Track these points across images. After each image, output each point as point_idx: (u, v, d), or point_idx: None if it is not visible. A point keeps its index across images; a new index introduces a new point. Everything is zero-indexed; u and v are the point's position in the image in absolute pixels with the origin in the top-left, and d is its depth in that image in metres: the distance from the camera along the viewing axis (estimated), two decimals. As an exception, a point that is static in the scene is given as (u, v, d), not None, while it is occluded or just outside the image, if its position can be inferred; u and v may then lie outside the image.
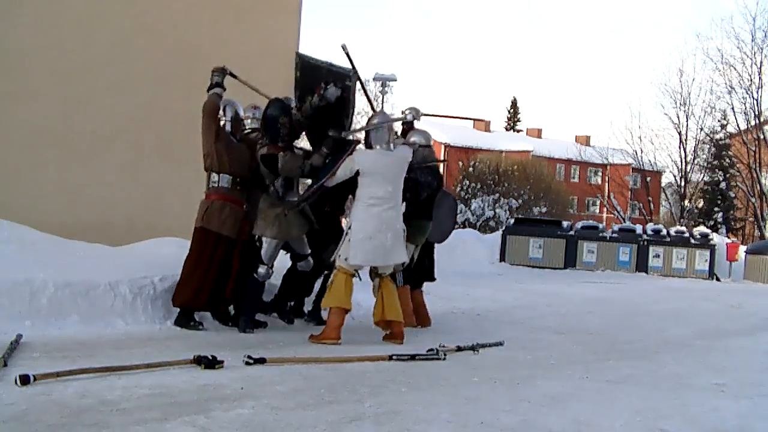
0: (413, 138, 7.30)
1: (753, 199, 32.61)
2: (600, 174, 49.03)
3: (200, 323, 6.42)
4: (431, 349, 5.69)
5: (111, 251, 7.51)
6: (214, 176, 6.48)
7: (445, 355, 5.66)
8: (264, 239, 6.43)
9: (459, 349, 5.93)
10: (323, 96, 6.41)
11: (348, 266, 6.24)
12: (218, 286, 6.40)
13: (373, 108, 7.16)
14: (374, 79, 29.59)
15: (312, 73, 6.73)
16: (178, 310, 6.42)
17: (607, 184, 43.56)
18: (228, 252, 6.43)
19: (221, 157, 6.44)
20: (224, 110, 6.66)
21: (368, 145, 6.39)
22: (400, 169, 6.40)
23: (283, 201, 6.44)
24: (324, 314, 6.73)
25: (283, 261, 7.50)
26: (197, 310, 6.44)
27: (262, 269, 6.44)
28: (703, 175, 35.95)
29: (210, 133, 6.44)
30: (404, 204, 6.80)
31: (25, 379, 4.07)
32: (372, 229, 6.18)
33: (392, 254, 6.31)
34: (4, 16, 9.10)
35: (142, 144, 9.84)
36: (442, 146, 48.58)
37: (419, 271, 7.49)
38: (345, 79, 6.54)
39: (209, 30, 10.49)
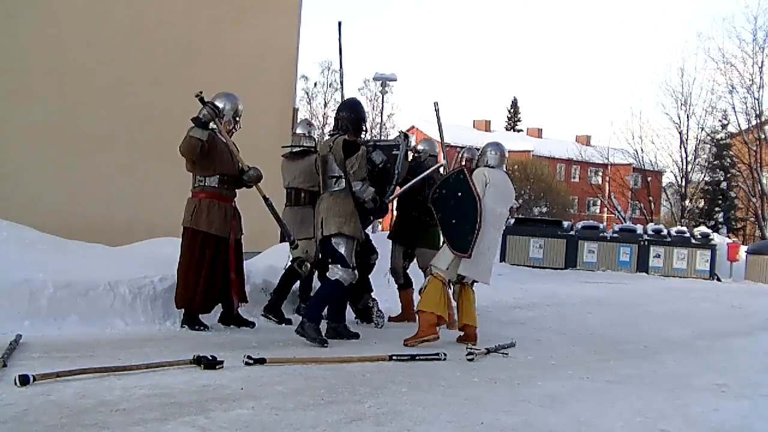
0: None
1: (754, 199, 32.61)
2: (600, 174, 49.05)
3: (206, 325, 6.40)
4: (470, 352, 5.74)
5: (111, 251, 7.51)
6: (200, 176, 6.45)
7: (445, 355, 5.66)
8: (339, 240, 6.08)
9: (488, 351, 5.95)
10: (369, 159, 6.32)
11: (446, 275, 6.34)
12: (213, 286, 6.35)
13: (442, 139, 7.06)
14: (374, 79, 29.66)
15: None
16: (183, 311, 6.43)
17: (607, 184, 43.56)
18: (219, 251, 6.38)
19: (206, 169, 6.40)
20: (221, 105, 6.58)
21: (478, 165, 6.61)
22: (510, 192, 6.69)
23: (353, 198, 6.18)
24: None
25: (279, 262, 7.51)
26: (198, 312, 6.42)
27: (346, 273, 6.06)
28: (704, 175, 35.95)
29: (189, 160, 6.37)
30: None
31: (24, 380, 4.07)
32: (483, 247, 6.34)
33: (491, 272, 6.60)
34: (4, 16, 9.09)
35: (142, 144, 9.83)
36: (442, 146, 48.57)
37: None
38: (392, 149, 6.65)
39: (209, 30, 10.49)
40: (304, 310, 6.27)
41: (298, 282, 7.38)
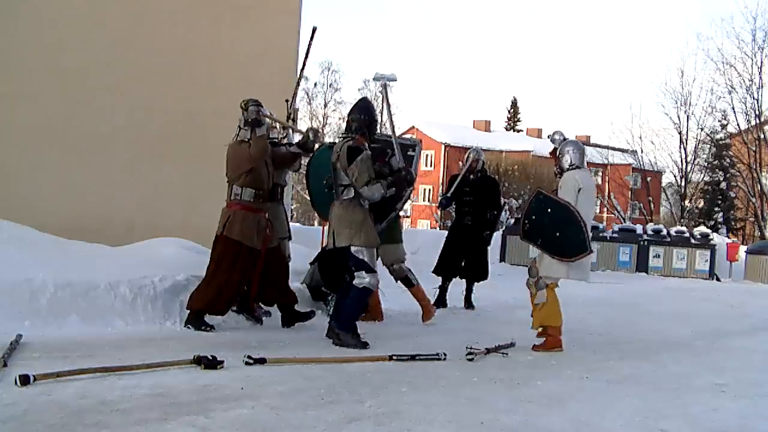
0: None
1: (753, 199, 32.58)
2: (600, 174, 49.02)
3: (211, 325, 6.39)
4: (470, 351, 5.76)
5: (111, 251, 7.51)
6: (237, 188, 6.46)
7: (445, 355, 5.66)
8: (359, 248, 6.02)
9: (488, 351, 5.97)
10: (388, 163, 6.33)
11: (554, 280, 6.42)
12: (235, 293, 6.50)
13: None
14: (374, 79, 29.58)
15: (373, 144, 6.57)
16: (189, 311, 6.42)
17: (607, 184, 43.53)
18: (250, 261, 6.45)
19: (261, 179, 6.50)
20: (259, 119, 6.50)
21: (565, 168, 6.57)
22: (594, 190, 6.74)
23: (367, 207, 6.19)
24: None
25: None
26: (213, 314, 6.45)
27: (372, 278, 6.07)
28: (704, 175, 35.90)
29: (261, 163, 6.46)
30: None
31: (24, 380, 4.07)
32: None
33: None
34: (4, 16, 9.10)
35: (142, 144, 9.83)
36: (442, 146, 48.61)
37: None
38: (407, 149, 6.64)
39: (209, 30, 10.48)
40: (335, 321, 6.15)
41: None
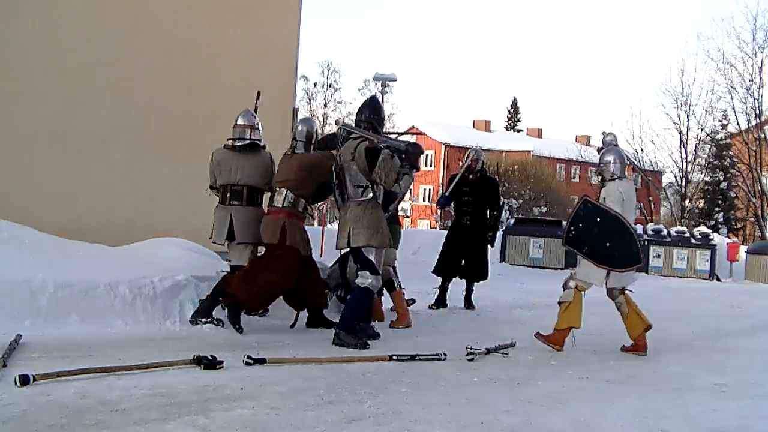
0: None
1: (754, 199, 32.59)
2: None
3: (240, 328, 6.41)
4: (470, 351, 5.77)
5: (111, 251, 7.51)
6: (291, 196, 6.54)
7: (445, 355, 5.66)
8: (370, 249, 6.07)
9: (488, 351, 5.97)
10: (395, 149, 6.12)
11: (586, 285, 6.46)
12: (273, 296, 6.60)
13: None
14: (374, 79, 29.60)
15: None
16: (228, 298, 6.39)
17: (607, 184, 43.48)
18: (300, 267, 6.53)
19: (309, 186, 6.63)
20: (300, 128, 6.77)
21: (607, 178, 6.64)
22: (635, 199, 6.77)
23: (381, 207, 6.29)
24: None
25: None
26: (248, 311, 6.56)
27: (376, 280, 6.14)
28: (704, 175, 35.91)
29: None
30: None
31: (24, 380, 4.07)
32: None
33: None
34: (4, 16, 9.09)
35: (141, 144, 9.83)
36: (442, 146, 48.62)
37: None
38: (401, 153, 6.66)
39: (209, 30, 10.47)
40: (339, 323, 6.14)
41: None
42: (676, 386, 5.26)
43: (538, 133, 60.16)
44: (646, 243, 19.59)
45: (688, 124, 33.94)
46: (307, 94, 47.58)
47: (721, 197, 35.17)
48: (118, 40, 9.71)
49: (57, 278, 6.14)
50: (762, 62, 31.57)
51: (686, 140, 34.17)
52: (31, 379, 4.10)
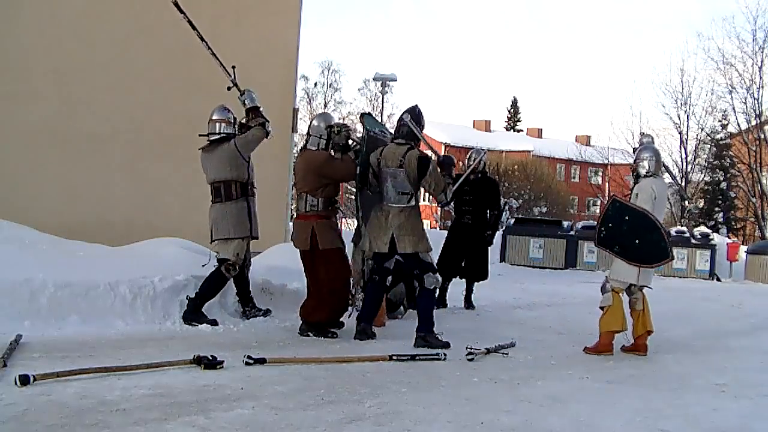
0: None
1: (753, 199, 32.57)
2: (600, 174, 49.00)
3: (334, 333, 6.45)
4: (470, 351, 5.78)
5: (111, 251, 7.51)
6: (312, 199, 6.43)
7: (445, 355, 5.66)
8: (426, 254, 6.32)
9: (488, 351, 5.97)
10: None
11: (623, 285, 6.44)
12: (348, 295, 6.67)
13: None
14: (374, 79, 29.60)
15: (376, 146, 6.62)
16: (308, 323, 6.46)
17: (607, 184, 43.51)
18: (342, 261, 6.57)
19: (336, 191, 6.66)
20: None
21: (642, 174, 6.61)
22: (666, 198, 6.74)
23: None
24: None
25: (280, 263, 7.49)
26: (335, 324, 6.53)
27: (436, 279, 6.34)
28: (704, 175, 35.91)
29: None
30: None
31: (24, 380, 4.07)
32: None
33: None
34: (4, 16, 9.10)
35: (141, 144, 9.84)
36: (442, 146, 48.62)
37: None
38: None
39: (209, 30, 10.45)
40: (421, 326, 6.27)
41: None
42: (676, 386, 5.26)
43: (538, 133, 60.17)
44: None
45: (688, 124, 33.95)
46: (307, 94, 47.55)
47: (721, 197, 35.16)
48: (118, 40, 9.72)
49: (57, 278, 6.13)
50: (762, 62, 31.55)
51: (686, 140, 34.18)
52: (31, 379, 4.10)
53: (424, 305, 6.28)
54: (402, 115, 6.50)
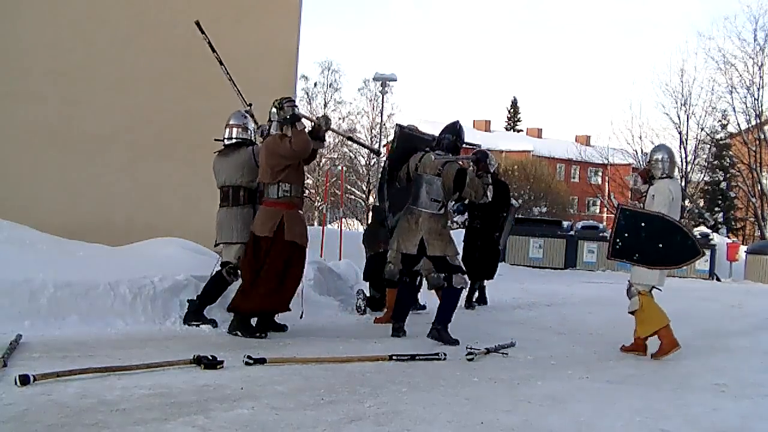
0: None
1: (753, 199, 32.58)
2: (600, 174, 48.99)
3: (263, 332, 6.31)
4: (470, 351, 5.78)
5: (111, 251, 7.51)
6: (286, 186, 6.34)
7: (445, 355, 5.66)
8: (455, 257, 6.57)
9: (488, 351, 5.97)
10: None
11: (646, 287, 6.43)
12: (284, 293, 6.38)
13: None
14: (374, 79, 29.60)
15: (410, 144, 6.85)
16: (234, 314, 6.34)
17: (607, 184, 43.52)
18: (302, 260, 6.47)
19: (302, 173, 6.58)
20: (298, 115, 6.52)
21: (657, 176, 6.61)
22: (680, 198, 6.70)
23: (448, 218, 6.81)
24: None
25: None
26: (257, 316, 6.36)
27: (464, 280, 6.59)
28: (704, 175, 35.91)
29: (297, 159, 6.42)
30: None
31: (24, 380, 4.07)
32: None
33: None
34: (4, 16, 9.09)
35: (141, 144, 9.82)
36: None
37: None
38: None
39: (209, 30, 10.45)
40: (439, 320, 6.46)
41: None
42: (676, 386, 5.26)
43: (538, 133, 60.18)
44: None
45: (687, 124, 33.94)
46: (307, 94, 47.49)
47: (720, 197, 35.15)
48: (118, 40, 9.71)
49: (57, 278, 6.13)
50: (762, 62, 31.57)
51: (686, 140, 34.16)
52: (31, 379, 4.10)
53: (448, 302, 6.54)
54: (442, 130, 6.80)
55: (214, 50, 7.20)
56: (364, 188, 42.54)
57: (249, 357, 4.98)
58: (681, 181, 35.08)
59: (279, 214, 6.30)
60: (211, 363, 4.79)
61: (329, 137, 6.80)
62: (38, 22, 9.21)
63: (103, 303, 6.23)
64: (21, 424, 3.51)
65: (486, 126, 57.88)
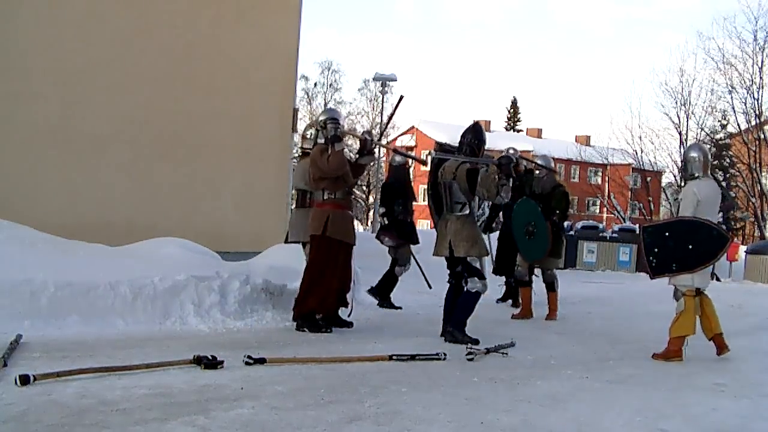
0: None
1: (753, 199, 32.56)
2: (600, 174, 48.99)
3: (328, 328, 6.68)
4: (470, 352, 5.82)
5: (111, 251, 7.51)
6: (328, 190, 6.77)
7: (445, 355, 5.66)
8: (474, 258, 6.62)
9: (488, 351, 5.98)
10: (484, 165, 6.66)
11: (689, 287, 6.40)
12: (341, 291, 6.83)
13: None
14: (374, 79, 29.61)
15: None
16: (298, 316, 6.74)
17: (607, 184, 43.51)
18: (348, 257, 6.81)
19: (348, 178, 6.84)
20: (338, 136, 6.87)
21: (688, 177, 6.64)
22: (718, 197, 6.64)
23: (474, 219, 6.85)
24: None
25: (279, 262, 7.48)
26: (322, 314, 6.73)
27: (483, 284, 6.64)
28: (704, 175, 35.84)
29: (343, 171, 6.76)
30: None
31: (25, 379, 4.07)
32: None
33: None
34: (4, 16, 9.09)
35: (141, 144, 9.83)
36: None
37: None
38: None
39: (209, 30, 10.48)
40: (451, 321, 6.60)
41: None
42: (675, 386, 5.26)
43: (538, 133, 60.18)
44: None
45: (687, 124, 33.90)
46: (307, 94, 47.49)
47: (720, 197, 35.12)
48: (118, 40, 9.71)
49: (57, 278, 6.13)
50: (762, 62, 31.52)
51: (686, 140, 34.12)
52: (31, 378, 4.10)
53: (464, 305, 6.61)
54: (462, 134, 6.85)
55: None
56: (365, 188, 42.58)
57: (249, 357, 4.99)
58: (681, 181, 35.10)
59: (326, 214, 6.70)
60: (211, 363, 4.79)
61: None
62: (38, 22, 9.21)
63: (104, 303, 6.23)
64: (21, 424, 3.51)
65: (486, 126, 57.59)
